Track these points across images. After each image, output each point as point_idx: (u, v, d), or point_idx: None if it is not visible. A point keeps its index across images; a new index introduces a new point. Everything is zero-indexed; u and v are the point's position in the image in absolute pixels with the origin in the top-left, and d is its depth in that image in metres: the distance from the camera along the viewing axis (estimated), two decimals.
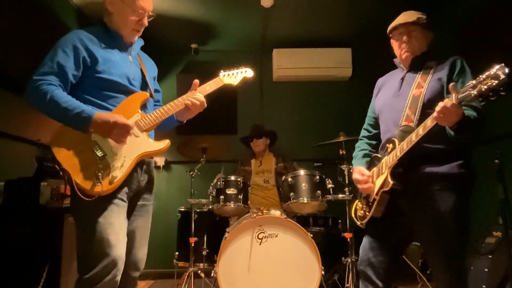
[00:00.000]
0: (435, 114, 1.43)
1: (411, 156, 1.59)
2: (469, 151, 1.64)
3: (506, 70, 1.22)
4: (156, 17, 1.76)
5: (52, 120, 1.52)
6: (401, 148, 1.61)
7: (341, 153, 3.22)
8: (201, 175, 3.36)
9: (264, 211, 2.86)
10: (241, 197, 2.87)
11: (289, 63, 4.31)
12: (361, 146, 1.99)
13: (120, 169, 1.54)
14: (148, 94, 1.73)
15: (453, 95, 1.37)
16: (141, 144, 1.62)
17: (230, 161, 3.85)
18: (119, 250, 1.51)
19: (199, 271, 3.06)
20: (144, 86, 1.77)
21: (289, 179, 2.86)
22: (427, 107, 1.61)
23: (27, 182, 2.28)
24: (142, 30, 1.75)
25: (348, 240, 2.94)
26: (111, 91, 1.62)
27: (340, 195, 2.90)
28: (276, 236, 2.63)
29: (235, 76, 1.99)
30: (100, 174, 1.48)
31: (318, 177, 2.83)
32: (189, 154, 3.42)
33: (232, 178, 2.96)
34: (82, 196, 1.46)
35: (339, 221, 3.27)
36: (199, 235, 3.07)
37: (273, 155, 3.61)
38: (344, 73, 4.36)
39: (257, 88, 4.48)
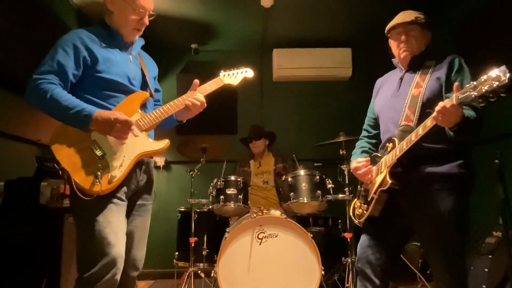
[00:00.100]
0: (434, 114, 1.43)
1: (410, 155, 1.59)
2: (469, 151, 1.64)
3: (508, 73, 1.22)
4: (156, 17, 1.76)
5: (52, 119, 1.53)
6: (400, 147, 1.61)
7: (341, 153, 3.21)
8: (201, 175, 3.36)
9: (264, 211, 2.86)
10: (241, 197, 2.87)
11: (289, 63, 4.31)
12: (361, 144, 2.00)
13: (119, 169, 1.54)
14: (148, 93, 1.73)
15: (454, 95, 1.37)
16: (140, 144, 1.62)
17: (230, 161, 3.84)
18: (118, 249, 1.51)
19: (199, 271, 3.06)
20: (144, 85, 1.77)
21: (289, 179, 2.86)
22: (427, 107, 1.62)
23: (27, 182, 2.29)
24: (143, 29, 1.75)
25: (348, 240, 2.94)
26: (111, 91, 1.62)
27: (340, 195, 2.90)
28: (276, 236, 2.63)
29: (235, 76, 1.99)
30: (99, 173, 1.48)
31: (318, 177, 2.83)
32: (189, 154, 3.42)
33: (232, 178, 2.96)
34: (81, 196, 1.46)
35: (339, 221, 3.27)
36: (199, 235, 3.07)
37: (272, 155, 3.62)
38: (344, 73, 4.36)
39: (257, 88, 4.48)
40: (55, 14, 3.12)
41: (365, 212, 1.78)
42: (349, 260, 2.90)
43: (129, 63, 1.71)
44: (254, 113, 4.47)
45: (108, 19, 1.70)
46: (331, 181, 2.88)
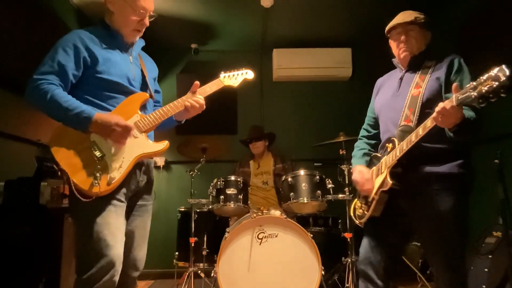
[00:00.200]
0: (434, 114, 1.43)
1: (410, 155, 1.59)
2: (468, 150, 1.64)
3: (507, 72, 1.22)
4: (156, 17, 1.76)
5: (52, 120, 1.52)
6: (400, 148, 1.61)
7: (341, 153, 3.22)
8: (201, 175, 3.36)
9: (264, 211, 2.86)
10: (241, 197, 2.87)
11: (289, 63, 4.30)
12: (360, 145, 1.99)
13: (118, 170, 1.53)
14: (148, 94, 1.73)
15: (453, 96, 1.37)
16: (140, 145, 1.62)
17: (230, 161, 3.85)
18: (117, 250, 1.51)
19: (199, 271, 3.06)
20: (144, 86, 1.76)
21: (289, 179, 2.86)
22: (426, 107, 1.62)
23: (27, 182, 2.29)
24: (143, 30, 1.74)
25: (348, 240, 2.94)
26: (111, 92, 1.62)
27: (340, 195, 2.90)
28: (276, 236, 2.63)
29: (235, 77, 1.99)
30: (98, 174, 1.48)
31: (318, 177, 2.82)
32: (189, 154, 3.42)
33: (232, 178, 2.96)
34: (80, 197, 1.46)
35: (339, 221, 3.27)
36: (199, 235, 3.07)
37: (272, 155, 3.62)
38: (344, 73, 4.35)
39: (257, 88, 4.48)
40: (55, 14, 3.12)
41: (366, 212, 1.78)
42: (349, 260, 2.90)
43: (129, 64, 1.71)
44: (254, 113, 4.47)
45: (108, 20, 1.70)
46: (331, 181, 2.88)
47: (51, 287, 2.24)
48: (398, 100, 1.75)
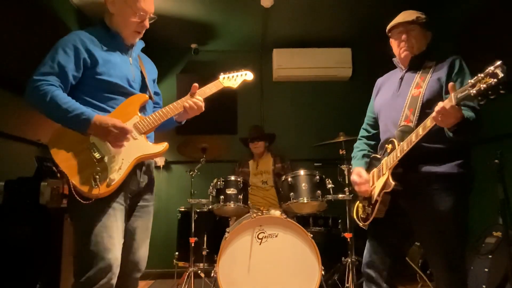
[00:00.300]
0: (434, 114, 1.43)
1: (410, 155, 1.59)
2: (468, 150, 1.64)
3: (505, 68, 1.21)
4: (157, 18, 1.75)
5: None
6: (401, 148, 1.61)
7: (341, 153, 3.22)
8: (201, 175, 3.36)
9: (264, 211, 2.86)
10: (241, 197, 2.87)
11: (289, 63, 4.30)
12: (360, 146, 1.99)
13: (118, 172, 1.53)
14: (147, 96, 1.72)
15: (452, 95, 1.37)
16: (139, 147, 1.61)
17: (230, 161, 3.85)
18: (114, 253, 1.50)
19: (199, 271, 3.07)
20: (144, 88, 1.76)
21: (289, 179, 2.86)
22: (426, 107, 1.62)
23: (27, 182, 2.29)
24: (143, 32, 1.74)
25: (348, 240, 2.94)
26: (111, 93, 1.61)
27: (340, 195, 2.90)
28: (276, 236, 2.63)
29: (235, 79, 1.99)
30: (97, 176, 1.48)
31: (318, 177, 2.82)
32: (189, 154, 3.42)
33: (232, 178, 2.96)
34: (79, 199, 1.45)
35: (339, 221, 3.27)
36: (199, 235, 3.07)
37: (271, 155, 3.62)
38: (344, 73, 4.35)
39: (257, 88, 4.48)
40: (55, 14, 3.12)
41: (369, 214, 1.78)
42: (349, 260, 2.90)
43: (129, 65, 1.71)
44: (254, 113, 4.47)
45: (108, 21, 1.70)
46: (331, 181, 2.88)
47: (51, 287, 2.24)
48: (398, 100, 1.75)
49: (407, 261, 3.08)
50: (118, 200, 1.56)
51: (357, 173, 1.84)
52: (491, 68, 1.24)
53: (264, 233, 2.63)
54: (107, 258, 1.47)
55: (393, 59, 1.90)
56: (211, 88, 1.87)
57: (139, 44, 1.80)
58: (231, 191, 2.88)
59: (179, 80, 4.33)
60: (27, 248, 2.18)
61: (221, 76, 1.96)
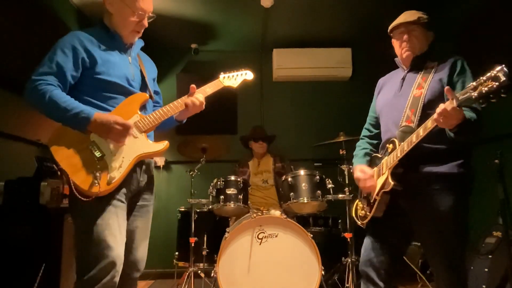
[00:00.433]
0: (435, 116, 1.43)
1: (410, 155, 1.59)
2: (469, 150, 1.64)
3: (507, 72, 1.21)
4: (155, 17, 1.75)
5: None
6: (401, 149, 1.61)
7: (341, 153, 3.22)
8: (201, 175, 3.36)
9: (264, 211, 2.86)
10: (241, 197, 2.87)
11: (289, 63, 4.30)
12: (362, 145, 1.99)
13: (118, 170, 1.53)
14: (147, 95, 1.73)
15: (453, 97, 1.37)
16: (139, 145, 1.62)
17: (230, 161, 3.85)
18: (117, 251, 1.50)
19: (199, 271, 3.06)
20: (144, 87, 1.76)
21: (289, 179, 2.86)
22: (428, 108, 1.61)
23: (27, 182, 2.29)
24: (142, 31, 1.74)
25: (348, 240, 2.94)
26: (110, 92, 1.62)
27: (340, 195, 2.90)
28: (276, 236, 2.63)
29: (235, 78, 2.00)
30: (98, 174, 1.48)
31: (318, 177, 2.82)
32: (189, 154, 3.42)
33: (232, 178, 2.96)
34: (79, 197, 1.45)
35: (339, 221, 3.27)
36: (199, 235, 3.07)
37: (271, 155, 3.63)
38: (344, 73, 4.35)
39: (257, 88, 4.48)
40: (55, 14, 3.12)
41: (368, 213, 1.78)
42: (349, 260, 2.90)
43: (128, 65, 1.71)
44: (254, 113, 4.47)
45: (107, 21, 1.70)
46: (331, 181, 2.88)
47: (51, 287, 2.24)
48: (400, 100, 1.75)
49: (407, 261, 3.08)
50: (119, 198, 1.57)
51: (360, 169, 1.83)
52: (494, 71, 1.24)
53: (264, 233, 2.63)
54: (110, 256, 1.47)
55: (395, 59, 1.90)
56: (211, 87, 1.88)
57: (138, 43, 1.81)
58: (231, 191, 2.88)
59: (179, 80, 4.33)
60: (27, 248, 2.18)
61: (221, 75, 1.97)
